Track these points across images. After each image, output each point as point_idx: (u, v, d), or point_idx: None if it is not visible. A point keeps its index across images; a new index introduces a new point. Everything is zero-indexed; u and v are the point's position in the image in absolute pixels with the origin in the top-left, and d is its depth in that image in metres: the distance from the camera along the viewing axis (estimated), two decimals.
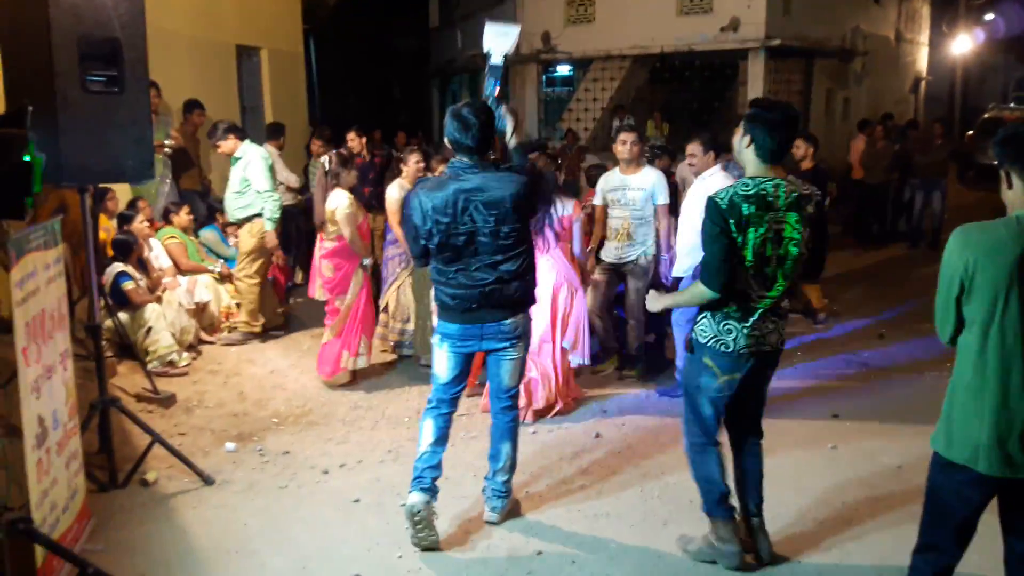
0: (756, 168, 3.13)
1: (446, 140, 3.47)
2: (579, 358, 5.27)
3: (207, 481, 4.23)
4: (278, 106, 10.71)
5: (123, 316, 5.65)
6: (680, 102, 17.58)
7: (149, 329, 5.74)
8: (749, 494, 3.43)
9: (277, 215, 6.47)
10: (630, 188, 5.65)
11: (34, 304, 3.10)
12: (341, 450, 4.70)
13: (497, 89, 3.77)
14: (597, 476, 4.31)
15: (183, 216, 6.95)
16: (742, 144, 3.14)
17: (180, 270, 6.60)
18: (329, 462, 4.51)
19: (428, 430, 3.67)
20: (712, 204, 3.06)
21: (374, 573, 3.41)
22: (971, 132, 18.48)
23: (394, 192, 5.93)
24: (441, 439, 3.68)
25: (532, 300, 3.65)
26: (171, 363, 5.79)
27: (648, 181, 5.62)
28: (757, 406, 3.44)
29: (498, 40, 3.84)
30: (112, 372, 5.45)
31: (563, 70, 18.63)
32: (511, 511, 3.82)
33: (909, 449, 4.33)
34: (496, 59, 3.80)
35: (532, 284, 3.61)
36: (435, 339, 3.67)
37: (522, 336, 3.62)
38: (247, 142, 6.59)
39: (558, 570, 3.42)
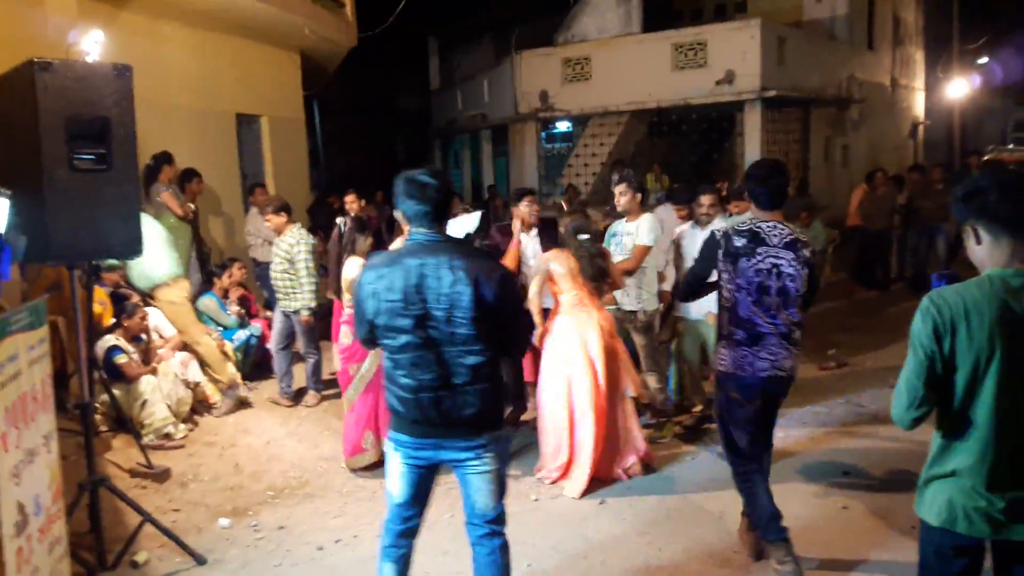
0: (756, 213, 3.68)
1: (396, 213, 2.94)
2: (629, 391, 5.05)
3: (199, 561, 4.12)
4: (279, 171, 10.79)
5: (117, 390, 5.58)
6: (679, 154, 17.70)
7: (145, 402, 5.67)
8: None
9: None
10: (624, 234, 5.60)
11: (15, 388, 3.04)
12: (338, 524, 4.57)
13: None
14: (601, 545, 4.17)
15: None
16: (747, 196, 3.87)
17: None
18: (325, 537, 4.39)
19: (387, 574, 3.10)
20: (710, 235, 3.75)
21: None
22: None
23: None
24: None
25: (497, 421, 3.02)
26: (167, 435, 5.70)
27: (636, 225, 5.54)
28: (771, 431, 3.85)
29: (457, 227, 4.06)
30: (106, 447, 5.38)
31: (562, 126, 18.84)
32: None
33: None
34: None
35: (494, 400, 2.95)
36: (388, 445, 3.08)
37: (491, 444, 2.94)
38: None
39: None
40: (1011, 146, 21.34)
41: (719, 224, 5.24)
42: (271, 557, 4.20)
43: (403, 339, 2.83)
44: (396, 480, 3.05)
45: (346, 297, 5.49)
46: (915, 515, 2.41)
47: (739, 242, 3.58)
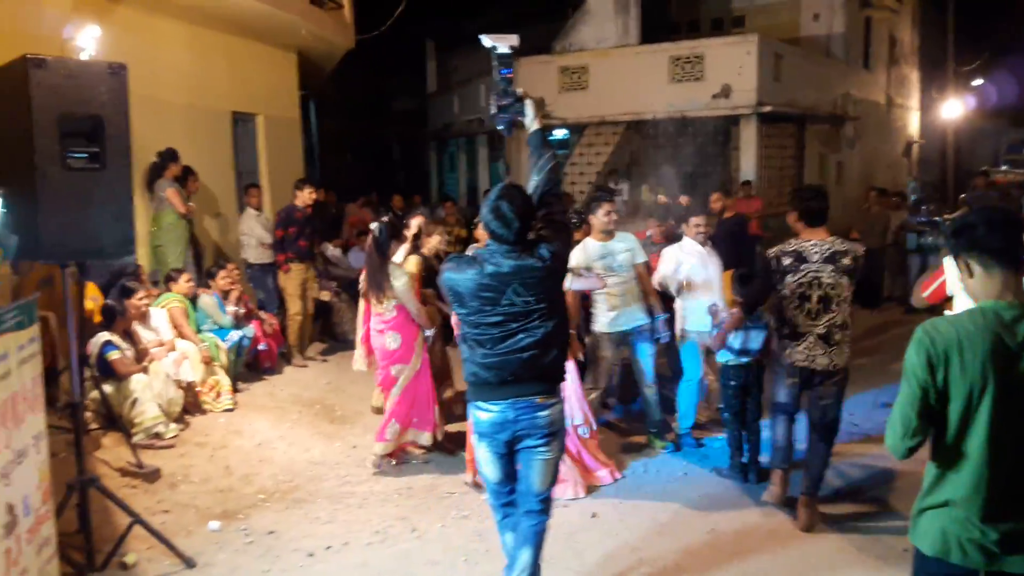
0: (803, 232, 4.42)
1: (484, 228, 3.28)
2: (586, 430, 5.16)
3: (188, 564, 4.09)
4: (273, 170, 10.74)
5: (108, 387, 5.53)
6: (675, 166, 17.73)
7: (135, 400, 5.62)
8: (805, 475, 4.56)
9: None
10: (617, 252, 5.58)
11: (4, 388, 3.02)
12: (327, 530, 4.54)
13: (510, 74, 3.59)
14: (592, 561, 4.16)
15: (183, 283, 6.91)
16: (792, 218, 4.49)
17: (182, 335, 6.54)
18: (314, 544, 4.36)
19: (509, 541, 3.50)
20: (765, 257, 4.54)
21: None
22: (964, 195, 18.62)
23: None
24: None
25: (564, 373, 3.45)
26: (157, 435, 5.64)
27: (630, 243, 5.67)
28: (821, 417, 4.48)
29: (500, 40, 3.77)
30: (96, 445, 5.32)
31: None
32: None
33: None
34: (503, 48, 3.57)
35: (565, 355, 3.43)
36: (474, 438, 3.48)
37: (557, 434, 3.35)
38: None
39: None
40: (1004, 168, 21.52)
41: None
42: (260, 562, 4.16)
43: (493, 328, 3.22)
44: (488, 466, 3.43)
45: (386, 303, 5.42)
46: (905, 540, 2.40)
47: (786, 261, 4.37)
